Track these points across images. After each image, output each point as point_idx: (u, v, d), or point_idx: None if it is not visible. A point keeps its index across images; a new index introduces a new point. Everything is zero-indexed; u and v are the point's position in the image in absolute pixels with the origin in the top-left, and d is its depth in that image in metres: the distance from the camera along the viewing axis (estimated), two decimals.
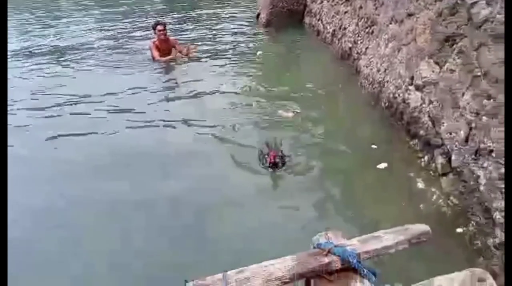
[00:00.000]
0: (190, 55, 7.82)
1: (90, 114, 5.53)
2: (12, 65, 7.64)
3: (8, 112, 4.51)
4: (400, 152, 4.08)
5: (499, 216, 2.63)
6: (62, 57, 8.36)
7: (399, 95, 4.43)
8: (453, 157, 3.30)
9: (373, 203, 3.55)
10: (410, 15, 4.48)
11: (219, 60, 7.66)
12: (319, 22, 8.63)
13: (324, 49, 7.86)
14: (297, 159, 4.19)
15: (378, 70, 5.15)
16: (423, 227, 1.94)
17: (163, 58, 7.55)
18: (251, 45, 8.69)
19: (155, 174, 4.08)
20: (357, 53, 6.20)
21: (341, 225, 3.16)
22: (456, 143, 3.27)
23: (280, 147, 4.21)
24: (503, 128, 2.70)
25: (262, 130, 4.89)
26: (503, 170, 2.66)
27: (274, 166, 3.94)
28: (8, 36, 7.51)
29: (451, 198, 3.23)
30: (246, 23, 10.54)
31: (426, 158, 3.75)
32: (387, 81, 4.80)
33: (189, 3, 13.58)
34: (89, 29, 10.77)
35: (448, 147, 3.40)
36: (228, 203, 3.63)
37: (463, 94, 3.27)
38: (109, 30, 10.56)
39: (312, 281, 1.80)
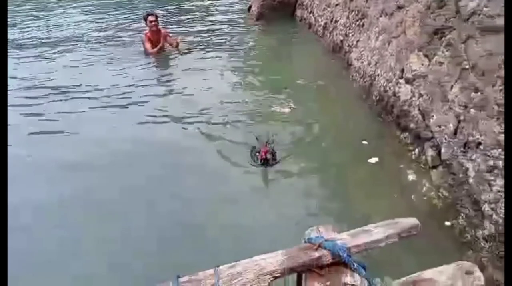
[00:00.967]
0: (179, 48, 7.80)
1: (79, 109, 5.52)
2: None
3: None
4: (391, 145, 4.11)
5: (487, 208, 2.67)
6: (51, 50, 8.30)
7: (389, 88, 4.46)
8: (442, 150, 3.33)
9: (365, 196, 3.58)
10: (400, 7, 4.50)
11: (210, 53, 7.66)
12: (311, 15, 8.62)
13: (315, 42, 7.86)
14: (288, 155, 4.20)
15: (369, 63, 5.17)
16: (412, 221, 1.96)
17: (155, 50, 7.51)
18: (242, 38, 8.67)
19: (145, 171, 4.07)
20: (348, 46, 6.21)
21: (333, 219, 3.20)
22: (445, 136, 3.31)
23: (272, 142, 4.22)
24: (490, 121, 2.74)
25: (254, 125, 4.89)
26: (491, 162, 2.70)
27: (265, 162, 3.95)
28: None
29: (441, 190, 3.27)
30: (237, 16, 10.49)
31: (416, 151, 3.78)
32: (378, 75, 4.83)
33: None
34: (79, 22, 10.66)
35: (438, 139, 3.43)
36: (219, 199, 3.64)
37: (451, 87, 3.30)
38: (99, 22, 10.48)
39: (303, 275, 1.82)
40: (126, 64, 7.19)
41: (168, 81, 6.65)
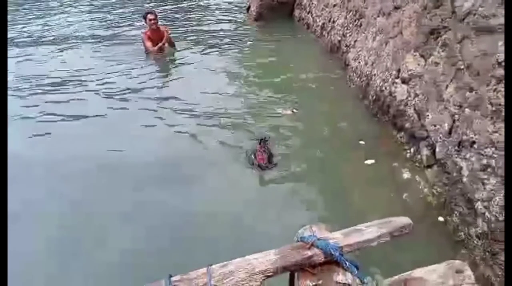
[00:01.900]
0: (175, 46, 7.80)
1: (78, 108, 5.56)
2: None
3: None
4: (387, 144, 4.12)
5: (480, 207, 2.69)
6: (50, 50, 8.33)
7: (386, 88, 4.47)
8: (437, 149, 3.35)
9: (361, 195, 3.60)
10: (397, 8, 4.51)
11: (209, 54, 7.67)
12: (309, 15, 8.63)
13: (314, 42, 7.87)
14: (285, 156, 4.21)
15: (366, 63, 5.19)
16: (405, 220, 1.96)
17: (155, 48, 7.47)
18: (241, 38, 8.66)
19: (141, 172, 4.07)
20: (346, 46, 6.22)
21: (329, 218, 3.22)
22: (440, 135, 3.32)
23: (268, 144, 4.19)
24: (484, 120, 2.76)
25: (252, 127, 4.87)
26: (484, 161, 2.71)
27: (262, 165, 3.95)
28: None
29: (436, 189, 3.29)
30: (236, 16, 10.50)
31: (412, 150, 3.80)
32: (375, 75, 4.84)
33: None
34: (78, 21, 10.69)
35: (433, 139, 3.45)
36: (215, 201, 3.64)
37: (446, 87, 3.32)
38: (98, 22, 10.52)
39: (295, 274, 1.84)
40: (126, 65, 7.19)
41: (166, 82, 6.67)
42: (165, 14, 10.52)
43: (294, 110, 5.15)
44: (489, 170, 2.66)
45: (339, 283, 1.74)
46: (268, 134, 4.41)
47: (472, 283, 1.73)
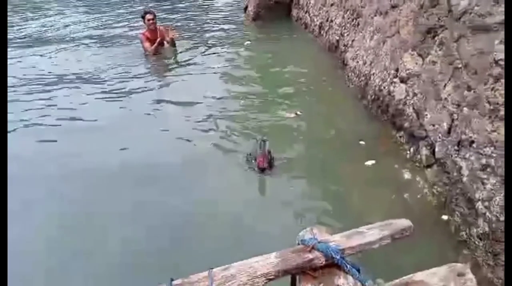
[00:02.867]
0: (175, 45, 7.75)
1: (77, 111, 5.57)
2: None
3: None
4: (386, 144, 4.13)
5: (481, 206, 2.69)
6: (48, 51, 8.35)
7: (384, 87, 4.48)
8: (436, 149, 3.36)
9: (361, 196, 3.59)
10: (393, 7, 4.51)
11: (207, 55, 7.69)
12: (306, 14, 8.64)
13: (311, 42, 7.88)
14: (285, 158, 4.19)
15: (364, 63, 5.19)
16: (405, 222, 1.95)
17: (153, 47, 7.42)
18: (239, 39, 8.66)
19: (141, 176, 4.05)
20: (344, 45, 6.23)
21: (330, 220, 3.22)
22: (439, 135, 3.33)
23: (267, 147, 4.09)
24: (482, 119, 2.76)
25: (251, 129, 4.85)
26: (484, 160, 2.72)
27: (262, 168, 3.90)
28: None
29: (437, 189, 3.30)
30: (234, 16, 10.52)
31: (411, 149, 3.80)
32: (373, 74, 4.85)
33: None
34: (74, 22, 10.73)
35: (432, 138, 3.45)
36: (215, 202, 3.64)
37: (444, 86, 3.32)
38: (95, 21, 10.57)
39: (297, 277, 1.84)
40: (124, 66, 7.18)
41: (166, 84, 6.67)
42: (163, 15, 10.49)
43: (298, 112, 5.11)
44: (488, 169, 2.67)
45: None
46: (267, 136, 4.35)
47: None
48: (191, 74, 6.79)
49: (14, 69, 7.09)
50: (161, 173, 4.07)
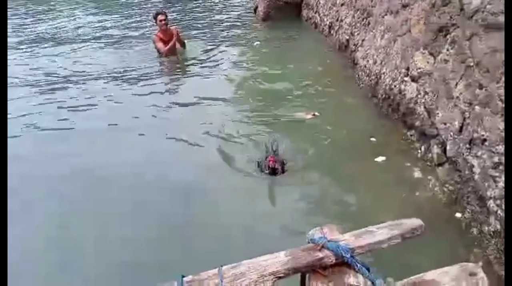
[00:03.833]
0: (185, 47, 7.78)
1: (84, 112, 5.63)
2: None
3: None
4: (397, 143, 4.11)
5: (493, 205, 2.67)
6: (62, 52, 8.42)
7: (395, 86, 4.46)
8: (448, 147, 3.34)
9: (372, 195, 3.58)
10: (404, 6, 4.49)
11: (218, 56, 7.68)
12: (316, 14, 8.62)
13: (322, 41, 7.86)
14: (295, 156, 4.18)
15: (375, 62, 5.17)
16: (416, 222, 1.94)
17: (166, 48, 7.42)
18: (249, 40, 8.67)
19: (154, 178, 4.04)
20: (354, 45, 6.21)
21: (341, 219, 3.18)
22: (451, 133, 3.31)
23: (278, 149, 4.11)
24: (494, 117, 2.74)
25: (261, 130, 4.81)
26: (496, 159, 2.70)
27: (273, 171, 3.84)
28: None
29: (448, 187, 3.28)
30: (244, 17, 10.52)
31: (422, 148, 3.79)
32: (384, 73, 4.82)
33: None
34: (87, 23, 10.83)
35: (443, 137, 3.43)
36: (226, 201, 3.66)
37: (456, 84, 3.30)
38: (106, 22, 10.66)
39: (306, 275, 1.84)
40: (135, 67, 7.23)
41: (175, 85, 6.73)
42: (173, 16, 10.52)
43: (316, 113, 5.03)
44: (500, 167, 2.65)
45: (351, 285, 1.73)
46: (279, 137, 4.34)
47: None
48: (202, 75, 6.83)
49: (14, 69, 7.19)
50: (171, 175, 4.08)
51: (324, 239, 1.83)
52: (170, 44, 7.43)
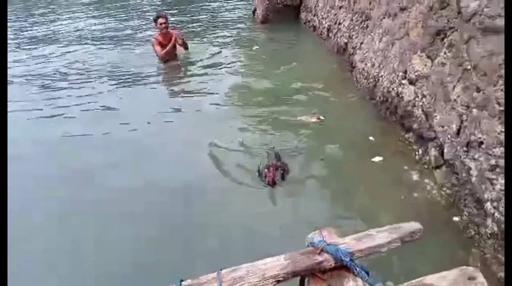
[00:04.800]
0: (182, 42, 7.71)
1: (84, 113, 5.66)
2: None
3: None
4: (395, 145, 4.12)
5: (490, 207, 2.69)
6: (58, 52, 8.52)
7: (393, 89, 4.47)
8: (445, 150, 3.35)
9: (371, 197, 3.58)
10: (402, 9, 4.51)
11: (218, 59, 7.68)
12: (315, 17, 8.65)
13: (320, 44, 7.89)
14: (294, 158, 4.17)
15: (373, 65, 5.19)
16: (415, 225, 1.96)
17: (163, 52, 7.36)
18: (247, 42, 8.70)
19: (154, 179, 4.02)
20: (353, 48, 6.23)
21: (340, 222, 3.19)
22: (448, 136, 3.32)
23: (278, 157, 4.07)
24: (492, 120, 2.75)
25: (264, 136, 4.75)
26: (493, 161, 2.71)
27: (273, 182, 3.76)
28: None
29: (445, 190, 3.29)
30: (243, 19, 10.55)
31: (420, 151, 3.80)
32: (382, 76, 4.84)
33: None
34: (86, 26, 10.87)
35: (441, 139, 3.45)
36: (225, 203, 3.66)
37: (454, 87, 3.32)
38: (107, 25, 10.69)
39: (306, 279, 1.85)
40: (135, 70, 7.26)
41: (173, 89, 6.71)
42: (173, 18, 10.53)
43: (321, 117, 4.99)
44: (497, 170, 2.66)
45: None
46: (277, 138, 4.34)
47: None
48: (200, 78, 6.83)
49: (14, 71, 7.27)
50: (166, 174, 4.09)
51: (323, 243, 1.84)
52: (167, 48, 7.38)
